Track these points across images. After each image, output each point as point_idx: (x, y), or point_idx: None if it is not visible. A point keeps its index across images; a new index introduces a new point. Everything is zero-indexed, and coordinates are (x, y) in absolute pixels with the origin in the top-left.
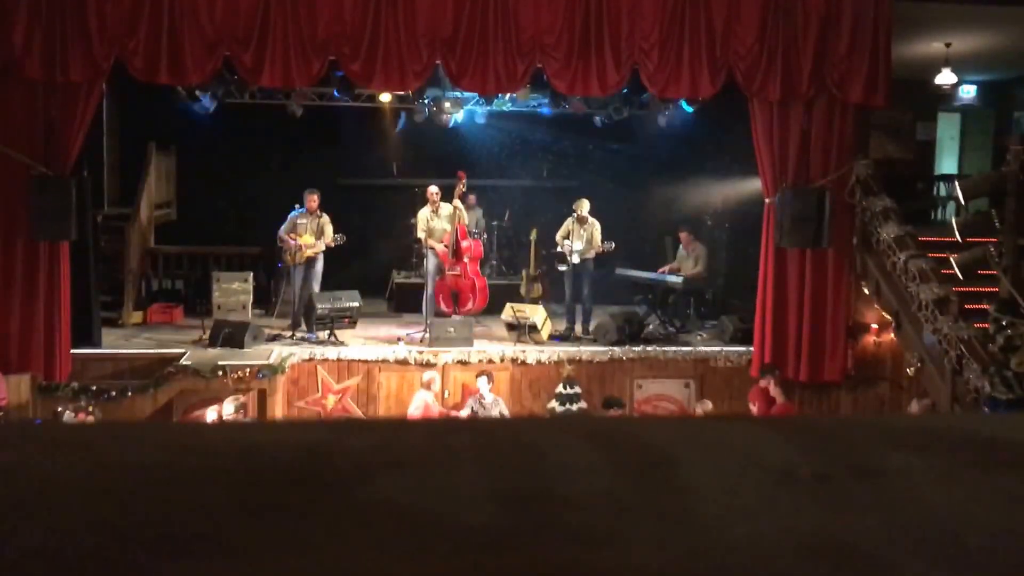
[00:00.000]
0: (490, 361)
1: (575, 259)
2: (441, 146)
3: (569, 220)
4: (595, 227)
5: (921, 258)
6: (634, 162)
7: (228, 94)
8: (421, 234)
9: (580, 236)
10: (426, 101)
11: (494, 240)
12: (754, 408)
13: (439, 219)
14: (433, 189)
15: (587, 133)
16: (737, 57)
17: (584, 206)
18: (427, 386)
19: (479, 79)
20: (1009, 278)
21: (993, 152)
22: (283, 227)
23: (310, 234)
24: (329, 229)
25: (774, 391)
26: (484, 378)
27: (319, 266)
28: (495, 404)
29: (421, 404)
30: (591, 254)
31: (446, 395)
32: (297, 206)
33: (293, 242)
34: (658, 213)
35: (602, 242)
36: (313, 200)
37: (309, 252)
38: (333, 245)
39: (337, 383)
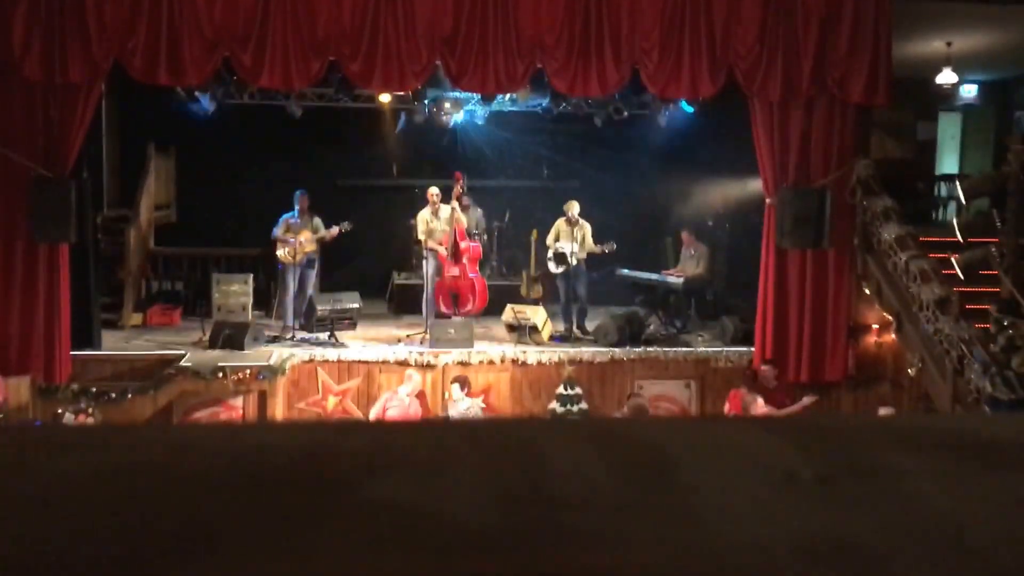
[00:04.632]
0: (491, 362)
1: (572, 260)
2: (441, 147)
3: (560, 221)
4: (586, 229)
5: (922, 258)
6: (634, 162)
7: (227, 95)
8: (421, 236)
9: (572, 238)
10: (426, 102)
11: (494, 241)
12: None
13: (439, 221)
14: (433, 191)
15: (587, 133)
16: (737, 56)
17: (574, 208)
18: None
19: (479, 79)
20: (1010, 278)
21: (994, 152)
22: (276, 229)
23: (307, 231)
24: (321, 224)
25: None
26: (457, 385)
27: (316, 267)
28: (470, 410)
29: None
30: (583, 255)
31: (446, 396)
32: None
33: (293, 241)
34: (658, 214)
35: (596, 243)
36: (305, 200)
37: (309, 247)
38: (337, 233)
39: (337, 384)
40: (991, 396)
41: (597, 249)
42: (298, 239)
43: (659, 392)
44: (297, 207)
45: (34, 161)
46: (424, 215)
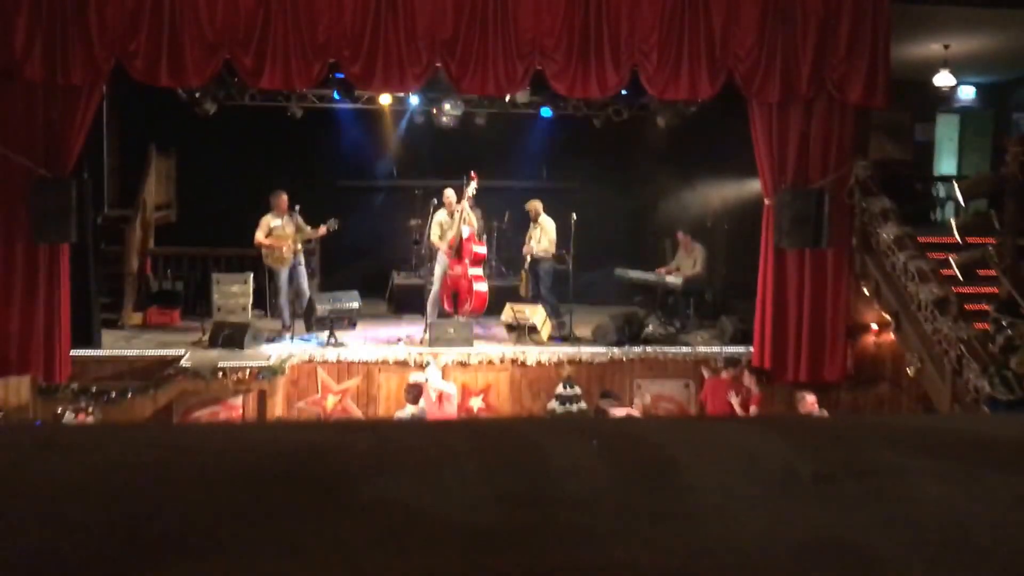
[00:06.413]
0: (490, 362)
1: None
2: (441, 147)
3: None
4: (543, 228)
5: (921, 258)
6: (634, 163)
7: (228, 96)
8: (435, 238)
9: (534, 236)
10: (425, 102)
11: (494, 241)
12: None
13: (453, 223)
14: (450, 193)
15: (586, 134)
16: (736, 58)
17: (534, 207)
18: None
19: (479, 81)
20: (1008, 278)
21: (992, 153)
22: (258, 232)
23: (292, 231)
24: (303, 223)
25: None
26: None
27: (303, 266)
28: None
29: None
30: (542, 254)
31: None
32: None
33: (281, 246)
34: (657, 214)
35: (556, 246)
36: (283, 200)
37: (297, 247)
38: (324, 232)
39: (337, 384)
40: (989, 396)
41: (546, 253)
42: (286, 241)
43: (658, 392)
44: (274, 207)
45: (35, 161)
46: (440, 218)
